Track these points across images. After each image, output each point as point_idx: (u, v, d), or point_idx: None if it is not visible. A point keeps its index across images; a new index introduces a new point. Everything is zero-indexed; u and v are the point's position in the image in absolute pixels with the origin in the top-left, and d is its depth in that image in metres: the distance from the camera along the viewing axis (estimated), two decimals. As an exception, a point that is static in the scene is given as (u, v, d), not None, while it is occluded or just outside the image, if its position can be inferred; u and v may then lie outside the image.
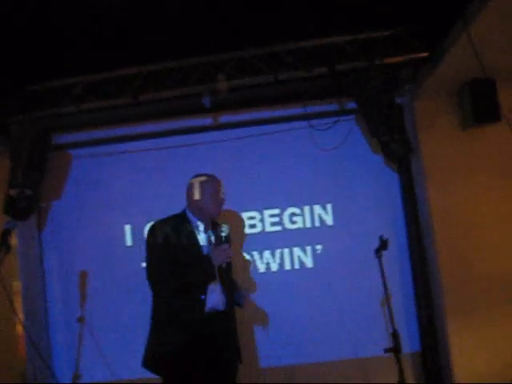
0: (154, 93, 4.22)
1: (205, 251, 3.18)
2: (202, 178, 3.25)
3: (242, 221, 4.71)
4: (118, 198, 4.83)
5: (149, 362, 3.17)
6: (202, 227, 3.25)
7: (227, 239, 3.15)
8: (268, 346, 4.57)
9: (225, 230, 3.14)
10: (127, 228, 4.82)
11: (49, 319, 4.83)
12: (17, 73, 3.98)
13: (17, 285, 4.57)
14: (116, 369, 4.61)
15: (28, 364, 4.51)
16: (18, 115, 4.28)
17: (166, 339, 3.13)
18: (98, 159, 4.84)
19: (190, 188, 3.26)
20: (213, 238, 3.23)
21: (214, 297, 3.16)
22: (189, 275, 3.09)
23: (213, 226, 3.28)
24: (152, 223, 3.26)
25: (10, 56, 3.77)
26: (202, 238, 3.23)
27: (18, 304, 4.51)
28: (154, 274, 3.14)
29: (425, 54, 4.03)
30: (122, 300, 4.72)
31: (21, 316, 4.44)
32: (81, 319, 4.67)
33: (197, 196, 3.21)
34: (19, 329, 4.17)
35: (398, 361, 3.22)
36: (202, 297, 3.10)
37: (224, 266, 3.13)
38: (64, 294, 4.83)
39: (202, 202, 3.21)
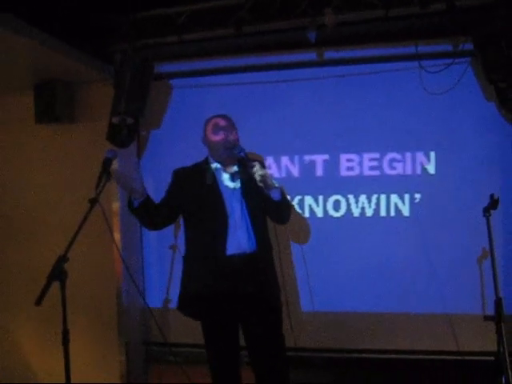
0: (257, 25, 4.05)
1: (222, 191, 3.21)
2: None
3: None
4: (215, 131, 4.80)
5: (179, 304, 3.26)
6: (218, 167, 3.31)
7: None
8: (353, 292, 4.52)
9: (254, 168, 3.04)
10: (223, 161, 4.80)
11: (144, 244, 5.01)
12: (122, 1, 3.95)
13: (116, 207, 4.75)
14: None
15: (123, 284, 4.75)
16: (122, 43, 4.28)
17: (191, 284, 3.19)
18: (197, 90, 4.77)
19: None
20: (226, 176, 3.27)
21: (238, 239, 3.10)
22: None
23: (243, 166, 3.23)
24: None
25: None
26: (217, 178, 3.27)
27: (116, 226, 4.72)
28: None
29: None
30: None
31: (118, 236, 4.67)
32: (173, 247, 4.80)
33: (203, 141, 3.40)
34: (116, 250, 4.34)
35: (499, 331, 3.06)
36: (218, 241, 3.09)
37: (250, 199, 3.18)
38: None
39: (206, 145, 3.37)
